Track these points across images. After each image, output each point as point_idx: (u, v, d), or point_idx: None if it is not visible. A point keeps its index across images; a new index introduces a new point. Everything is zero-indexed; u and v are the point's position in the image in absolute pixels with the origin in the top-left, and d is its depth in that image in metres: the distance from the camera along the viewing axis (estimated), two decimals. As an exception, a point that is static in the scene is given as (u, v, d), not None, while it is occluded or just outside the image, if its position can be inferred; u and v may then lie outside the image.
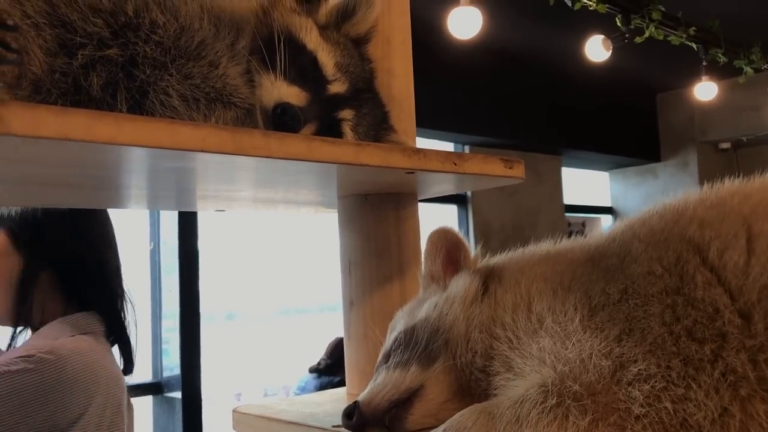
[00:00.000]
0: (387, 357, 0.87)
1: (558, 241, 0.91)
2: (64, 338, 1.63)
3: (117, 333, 1.78)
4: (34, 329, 1.72)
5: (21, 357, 1.51)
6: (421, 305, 0.91)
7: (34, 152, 0.71)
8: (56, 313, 1.70)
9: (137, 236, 4.73)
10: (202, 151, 0.73)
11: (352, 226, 1.16)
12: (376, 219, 1.14)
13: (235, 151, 0.75)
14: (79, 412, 1.54)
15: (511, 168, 1.04)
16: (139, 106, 0.80)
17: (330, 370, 5.09)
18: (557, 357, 0.71)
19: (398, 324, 0.92)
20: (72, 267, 1.73)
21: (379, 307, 1.10)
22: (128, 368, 1.81)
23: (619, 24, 4.95)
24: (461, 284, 0.88)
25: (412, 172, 0.95)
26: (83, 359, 1.59)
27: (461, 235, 0.96)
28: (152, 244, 4.75)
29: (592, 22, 5.01)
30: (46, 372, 1.51)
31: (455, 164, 0.98)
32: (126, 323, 1.81)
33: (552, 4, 4.52)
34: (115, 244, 1.85)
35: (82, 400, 1.55)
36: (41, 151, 0.71)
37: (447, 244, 0.95)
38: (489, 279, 0.87)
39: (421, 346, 0.84)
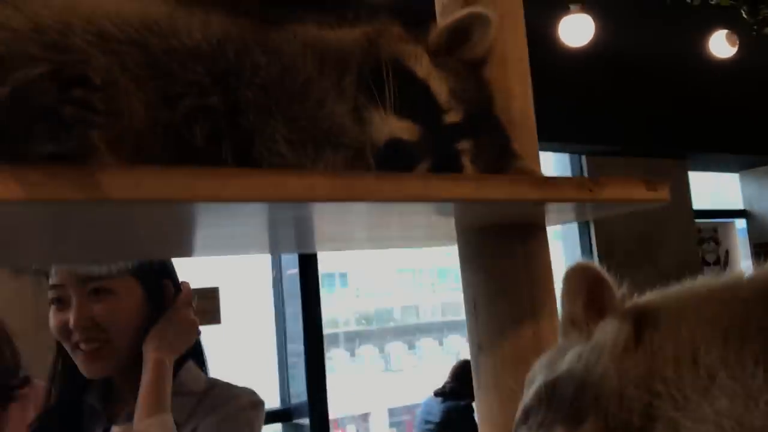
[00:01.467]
0: (526, 415, 0.77)
1: (719, 273, 0.78)
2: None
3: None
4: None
5: (249, 402, 1.62)
6: (562, 355, 0.81)
7: (138, 214, 0.68)
8: None
9: (259, 264, 4.86)
10: (312, 200, 0.67)
11: (474, 262, 1.07)
12: (501, 254, 1.04)
13: (347, 198, 0.69)
14: None
15: (654, 190, 0.92)
16: (246, 156, 0.75)
17: (455, 394, 4.99)
18: (740, 423, 0.59)
19: (537, 377, 0.82)
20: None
21: (511, 352, 1.00)
22: None
23: (744, 16, 4.64)
24: (609, 330, 0.76)
25: (542, 204, 0.86)
26: None
27: (603, 271, 0.84)
28: (274, 271, 4.85)
29: (713, 18, 4.73)
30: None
31: (591, 191, 0.87)
32: None
33: (668, 3, 4.30)
34: None
35: None
36: (145, 213, 0.67)
37: (588, 284, 0.84)
38: (642, 324, 0.76)
39: (566, 403, 0.74)
